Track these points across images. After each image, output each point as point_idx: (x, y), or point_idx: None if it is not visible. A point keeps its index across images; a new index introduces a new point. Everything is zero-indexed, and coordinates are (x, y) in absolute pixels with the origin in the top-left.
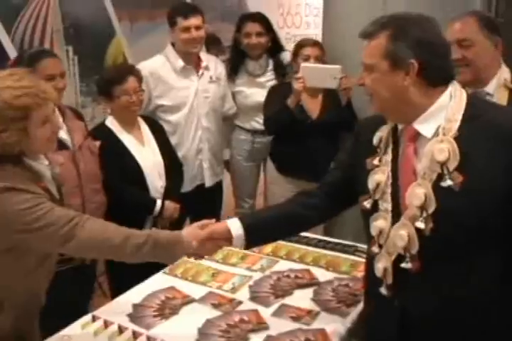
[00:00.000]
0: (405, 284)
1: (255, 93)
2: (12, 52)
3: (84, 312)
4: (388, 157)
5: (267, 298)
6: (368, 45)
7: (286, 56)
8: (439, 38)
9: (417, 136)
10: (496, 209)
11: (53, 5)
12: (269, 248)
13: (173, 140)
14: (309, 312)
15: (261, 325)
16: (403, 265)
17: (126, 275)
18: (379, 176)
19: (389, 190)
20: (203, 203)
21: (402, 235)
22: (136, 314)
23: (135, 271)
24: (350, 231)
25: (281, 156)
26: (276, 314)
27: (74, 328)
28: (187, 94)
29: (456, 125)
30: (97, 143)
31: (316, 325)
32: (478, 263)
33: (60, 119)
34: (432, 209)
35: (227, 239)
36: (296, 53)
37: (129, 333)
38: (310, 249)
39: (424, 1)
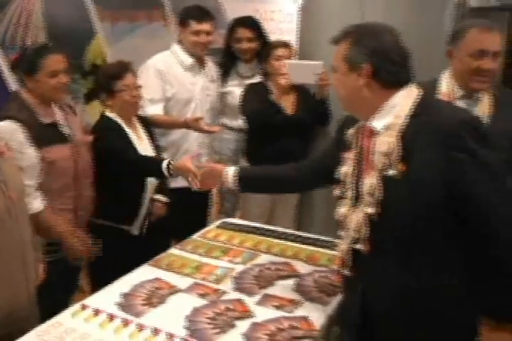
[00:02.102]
0: (363, 267)
1: None
2: None
3: (67, 306)
4: (355, 151)
5: (250, 288)
6: (336, 49)
7: None
8: (395, 47)
9: (373, 131)
10: (436, 201)
11: (36, 3)
12: (249, 242)
13: (178, 133)
14: (292, 301)
15: (246, 313)
16: (357, 246)
17: (107, 269)
18: (345, 168)
19: (352, 180)
20: (196, 199)
21: (353, 219)
22: (125, 303)
23: (116, 265)
24: (319, 224)
25: (256, 155)
26: (260, 303)
27: (64, 316)
28: (194, 90)
29: (402, 121)
30: (90, 138)
31: (298, 313)
32: (425, 252)
33: (60, 114)
34: (378, 196)
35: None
36: (268, 54)
37: (119, 320)
38: (289, 243)
39: (400, 9)
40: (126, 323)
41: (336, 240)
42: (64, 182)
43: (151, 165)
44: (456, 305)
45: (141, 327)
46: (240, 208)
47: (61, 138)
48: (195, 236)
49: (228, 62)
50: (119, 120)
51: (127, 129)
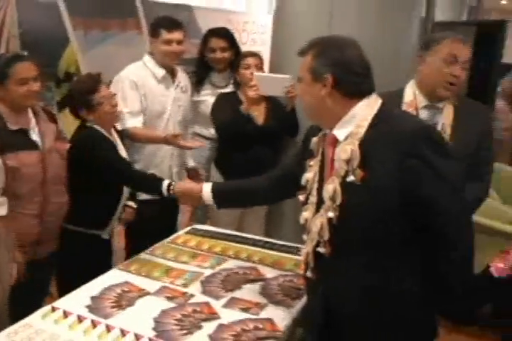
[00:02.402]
0: (325, 269)
1: None
2: None
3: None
4: (318, 158)
5: (217, 291)
6: (302, 60)
7: None
8: (357, 59)
9: (336, 140)
10: (394, 206)
11: (10, 11)
12: (218, 248)
13: (152, 146)
14: (257, 304)
15: (213, 315)
16: (319, 249)
17: (75, 275)
18: (309, 174)
19: (315, 186)
20: (165, 209)
21: (316, 223)
22: (94, 305)
23: (84, 271)
24: (289, 232)
25: (227, 163)
26: (226, 306)
27: (34, 318)
28: (166, 102)
29: (363, 130)
30: (66, 146)
31: (263, 315)
32: (385, 256)
33: (33, 120)
34: (338, 200)
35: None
36: (237, 64)
37: (88, 322)
38: (257, 249)
39: (368, 22)
40: (95, 324)
41: (302, 246)
42: (30, 188)
43: (150, 184)
44: (418, 309)
45: (109, 329)
46: (210, 216)
47: (29, 144)
48: (165, 241)
49: (202, 72)
50: (103, 131)
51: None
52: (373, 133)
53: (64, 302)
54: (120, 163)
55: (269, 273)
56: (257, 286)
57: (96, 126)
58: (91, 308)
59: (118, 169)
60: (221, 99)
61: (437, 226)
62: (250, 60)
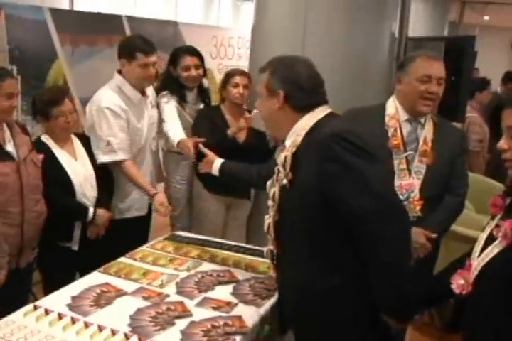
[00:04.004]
0: (278, 266)
1: None
2: None
3: None
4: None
5: (191, 292)
6: (261, 77)
7: (205, 82)
8: (305, 77)
9: (285, 148)
10: (318, 206)
11: (0, 27)
12: (194, 252)
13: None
14: (228, 303)
15: (185, 313)
16: (269, 247)
17: (61, 283)
18: (270, 181)
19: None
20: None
21: (266, 223)
22: (74, 304)
23: (70, 279)
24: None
25: (209, 175)
26: (199, 305)
27: (17, 315)
28: (142, 124)
29: (300, 138)
30: (40, 157)
31: (234, 313)
32: (318, 252)
33: (8, 133)
34: (277, 202)
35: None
36: (225, 81)
37: (68, 319)
38: (231, 253)
39: (338, 42)
40: (74, 321)
41: None
42: (7, 198)
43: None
44: (350, 306)
45: (87, 325)
46: (193, 225)
47: (3, 155)
48: (145, 246)
49: (177, 91)
50: (52, 143)
51: (59, 151)
52: (306, 141)
53: (46, 301)
54: (53, 189)
55: (242, 275)
56: (229, 287)
57: (44, 138)
58: (71, 307)
59: (50, 193)
60: (203, 114)
61: (353, 227)
62: (238, 79)
